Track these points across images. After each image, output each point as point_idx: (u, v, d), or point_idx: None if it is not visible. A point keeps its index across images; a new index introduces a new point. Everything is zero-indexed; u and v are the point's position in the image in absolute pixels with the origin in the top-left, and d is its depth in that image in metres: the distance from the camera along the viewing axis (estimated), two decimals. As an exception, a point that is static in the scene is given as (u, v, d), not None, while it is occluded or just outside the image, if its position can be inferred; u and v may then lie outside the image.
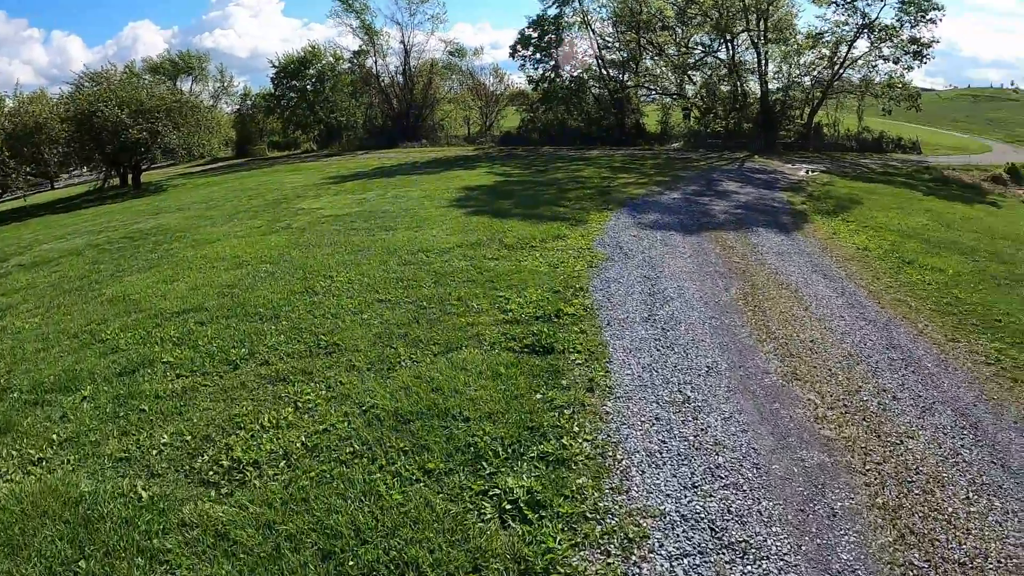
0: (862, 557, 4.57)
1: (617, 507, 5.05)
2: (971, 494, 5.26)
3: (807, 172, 27.53)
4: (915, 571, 4.47)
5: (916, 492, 5.29)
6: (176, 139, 32.42)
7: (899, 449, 5.91)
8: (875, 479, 5.46)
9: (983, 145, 58.08)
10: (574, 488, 5.26)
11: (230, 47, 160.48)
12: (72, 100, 32.20)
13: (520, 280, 10.46)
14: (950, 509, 5.07)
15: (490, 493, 5.22)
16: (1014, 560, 4.57)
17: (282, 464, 5.76)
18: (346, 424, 6.34)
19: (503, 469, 5.52)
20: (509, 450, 5.79)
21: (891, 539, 4.75)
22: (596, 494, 5.19)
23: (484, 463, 5.60)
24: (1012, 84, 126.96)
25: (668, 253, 12.76)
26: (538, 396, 6.70)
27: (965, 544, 4.71)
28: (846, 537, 4.77)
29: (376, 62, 51.77)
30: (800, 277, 11.30)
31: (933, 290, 10.78)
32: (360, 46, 51.76)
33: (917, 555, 4.61)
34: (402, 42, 50.08)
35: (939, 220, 17.67)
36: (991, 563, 4.54)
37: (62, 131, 30.94)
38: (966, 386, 7.21)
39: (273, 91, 53.22)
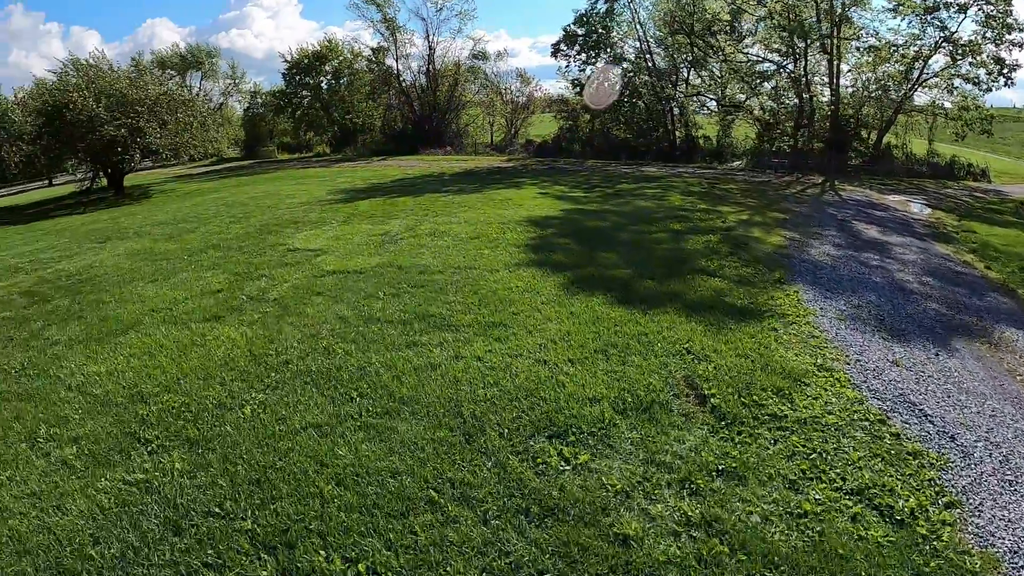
0: None
1: None
2: None
3: (919, 207, 20.36)
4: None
5: None
6: (160, 138, 25.03)
7: None
8: None
9: (1045, 174, 51.03)
10: None
11: (246, 47, 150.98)
12: (46, 91, 24.92)
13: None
14: None
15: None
16: None
17: None
18: None
19: None
20: None
21: None
22: None
23: None
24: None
25: (998, 426, 5.98)
26: None
27: None
28: None
29: (397, 61, 43.39)
30: None
31: None
32: (380, 43, 43.77)
33: None
34: (426, 38, 42.44)
35: None
36: None
37: (26, 125, 23.80)
38: None
39: (284, 88, 45.64)
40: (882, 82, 33.53)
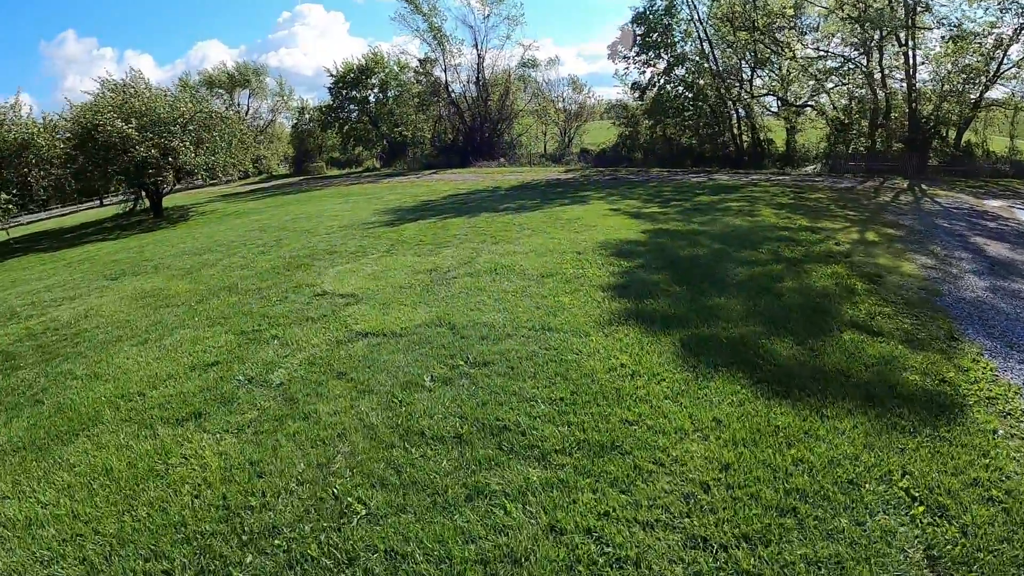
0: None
1: None
2: None
3: None
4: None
5: None
6: (195, 158, 22.93)
7: None
8: None
9: None
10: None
11: (295, 65, 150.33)
12: (78, 112, 23.07)
13: None
14: None
15: None
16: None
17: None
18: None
19: None
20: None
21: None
22: None
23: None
24: None
25: None
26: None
27: None
28: None
29: (446, 71, 40.77)
30: None
31: None
32: (427, 53, 41.24)
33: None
34: (475, 46, 39.88)
35: None
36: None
37: (55, 150, 21.91)
38: None
39: (331, 103, 43.58)
40: (963, 74, 29.72)
